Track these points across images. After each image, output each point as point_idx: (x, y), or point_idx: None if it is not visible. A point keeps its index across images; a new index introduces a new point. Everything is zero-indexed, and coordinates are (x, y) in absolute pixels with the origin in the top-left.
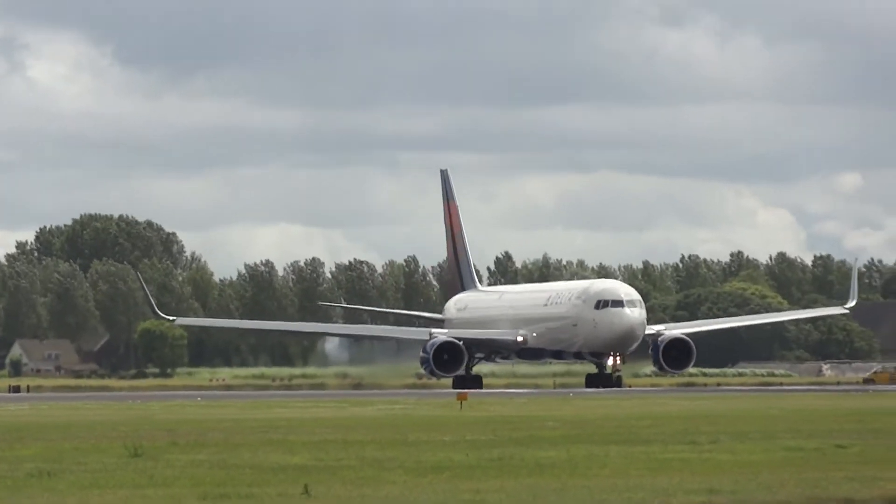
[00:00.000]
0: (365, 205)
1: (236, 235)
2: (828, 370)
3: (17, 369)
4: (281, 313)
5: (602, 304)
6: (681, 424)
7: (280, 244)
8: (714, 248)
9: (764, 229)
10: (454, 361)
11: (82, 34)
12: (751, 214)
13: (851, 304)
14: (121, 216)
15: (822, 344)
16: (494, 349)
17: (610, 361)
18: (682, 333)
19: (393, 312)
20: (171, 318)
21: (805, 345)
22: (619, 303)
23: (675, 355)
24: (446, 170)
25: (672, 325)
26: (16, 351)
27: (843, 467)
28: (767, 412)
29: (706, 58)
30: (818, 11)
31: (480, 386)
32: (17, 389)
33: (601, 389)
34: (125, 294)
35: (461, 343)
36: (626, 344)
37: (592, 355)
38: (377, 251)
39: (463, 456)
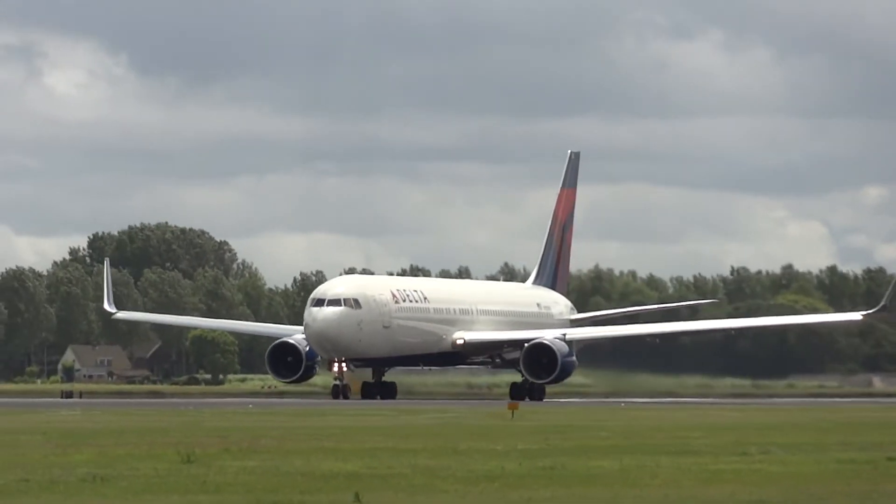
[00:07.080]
0: (392, 214)
1: (269, 244)
2: (878, 382)
3: (69, 375)
4: None
5: (311, 302)
6: (732, 436)
7: (315, 253)
8: (747, 260)
9: (796, 242)
10: (296, 365)
11: (99, 42)
12: (781, 226)
13: None
14: (173, 225)
15: (871, 357)
16: None
17: (335, 368)
18: (558, 337)
19: None
20: (112, 310)
21: (855, 357)
22: (320, 302)
23: (545, 363)
24: (578, 152)
25: (574, 329)
26: (68, 357)
27: (895, 480)
28: (819, 424)
29: (719, 70)
30: (828, 23)
31: (394, 395)
32: (69, 395)
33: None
34: (176, 301)
35: (302, 345)
36: (323, 347)
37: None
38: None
39: (515, 465)
